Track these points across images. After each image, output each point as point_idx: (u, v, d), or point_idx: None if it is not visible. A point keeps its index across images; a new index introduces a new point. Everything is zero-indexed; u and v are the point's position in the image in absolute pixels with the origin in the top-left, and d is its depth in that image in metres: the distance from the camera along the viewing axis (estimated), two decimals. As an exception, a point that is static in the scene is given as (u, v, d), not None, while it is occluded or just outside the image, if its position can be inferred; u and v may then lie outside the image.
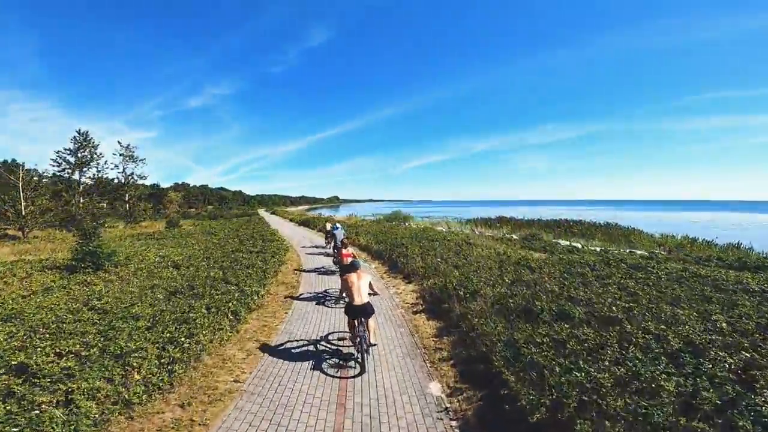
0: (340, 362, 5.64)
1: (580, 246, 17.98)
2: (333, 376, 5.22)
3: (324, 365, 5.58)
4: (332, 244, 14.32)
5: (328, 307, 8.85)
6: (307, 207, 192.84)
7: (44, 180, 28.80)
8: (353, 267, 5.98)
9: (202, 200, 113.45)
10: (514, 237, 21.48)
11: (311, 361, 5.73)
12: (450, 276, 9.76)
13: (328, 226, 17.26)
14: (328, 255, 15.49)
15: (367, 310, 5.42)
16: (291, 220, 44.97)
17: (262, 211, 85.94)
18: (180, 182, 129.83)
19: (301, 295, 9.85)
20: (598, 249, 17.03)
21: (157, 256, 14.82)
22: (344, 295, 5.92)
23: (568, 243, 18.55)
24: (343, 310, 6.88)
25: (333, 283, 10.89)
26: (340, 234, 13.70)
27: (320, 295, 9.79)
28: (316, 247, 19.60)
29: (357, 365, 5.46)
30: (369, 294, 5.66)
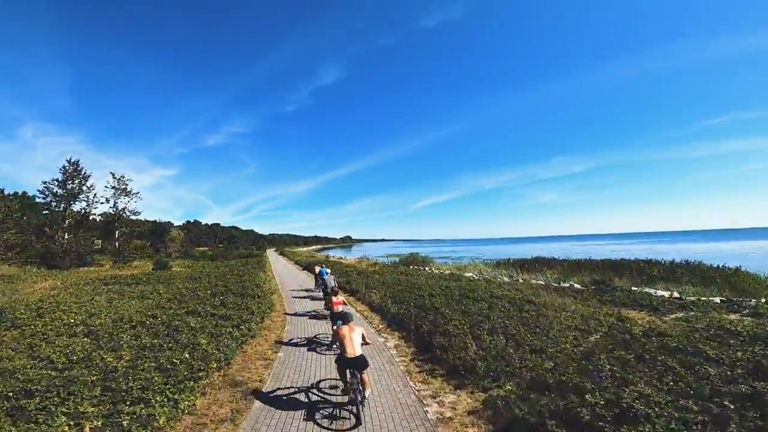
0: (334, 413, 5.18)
1: (679, 295, 12.73)
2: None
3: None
4: (322, 288, 13.58)
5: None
6: (318, 247, 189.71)
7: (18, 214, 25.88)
8: (345, 318, 5.96)
9: (213, 238, 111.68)
10: (576, 285, 16.26)
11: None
12: (544, 375, 4.93)
13: (317, 269, 17.01)
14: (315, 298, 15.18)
15: (360, 363, 5.13)
16: (296, 263, 41.01)
17: (270, 252, 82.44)
18: (192, 220, 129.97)
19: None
20: (717, 300, 11.85)
21: (86, 312, 10.50)
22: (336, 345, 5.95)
23: (664, 293, 13.26)
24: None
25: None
26: (330, 280, 12.80)
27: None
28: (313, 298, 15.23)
29: (352, 416, 5.02)
30: (362, 345, 5.46)
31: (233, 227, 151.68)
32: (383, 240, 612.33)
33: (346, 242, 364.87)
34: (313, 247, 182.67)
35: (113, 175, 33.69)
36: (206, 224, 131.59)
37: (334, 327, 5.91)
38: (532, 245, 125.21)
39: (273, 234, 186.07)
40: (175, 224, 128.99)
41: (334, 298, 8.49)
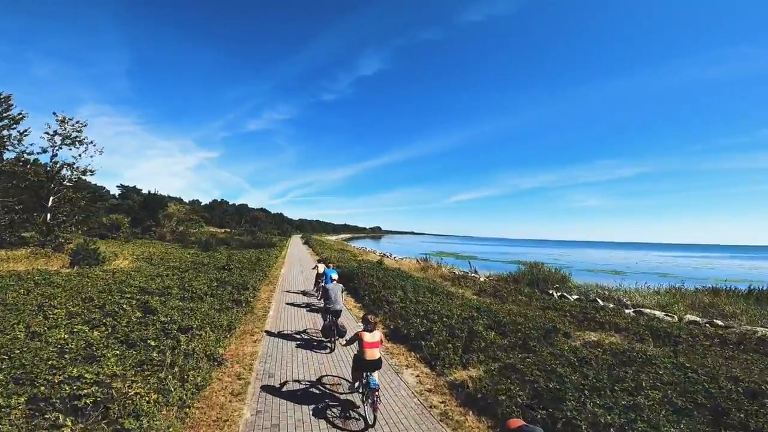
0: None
1: None
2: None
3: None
4: (321, 292, 11.11)
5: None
6: (348, 236, 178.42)
7: None
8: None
9: (238, 220, 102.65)
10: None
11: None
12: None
13: (320, 267, 12.81)
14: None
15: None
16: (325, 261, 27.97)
17: (295, 240, 70.52)
18: (220, 200, 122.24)
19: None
20: None
21: None
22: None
23: None
24: None
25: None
26: (336, 293, 8.20)
27: None
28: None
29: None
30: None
31: (261, 209, 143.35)
32: (412, 233, 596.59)
33: (376, 233, 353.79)
34: (343, 235, 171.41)
35: (56, 115, 21.50)
36: (233, 204, 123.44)
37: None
38: (579, 250, 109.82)
39: (302, 219, 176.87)
40: (203, 203, 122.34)
41: (367, 336, 5.39)
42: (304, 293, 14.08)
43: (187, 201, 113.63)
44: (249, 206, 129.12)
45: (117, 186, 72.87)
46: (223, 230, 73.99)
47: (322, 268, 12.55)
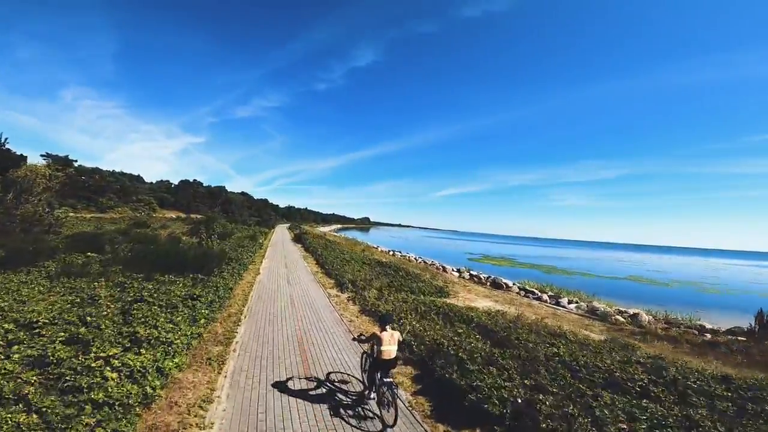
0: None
1: None
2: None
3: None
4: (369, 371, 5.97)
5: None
6: (338, 226, 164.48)
7: None
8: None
9: (210, 205, 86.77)
10: None
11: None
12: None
13: (386, 339, 5.39)
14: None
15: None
16: (320, 268, 14.73)
17: (280, 231, 56.44)
18: (192, 180, 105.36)
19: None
20: None
21: None
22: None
23: None
24: None
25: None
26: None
27: None
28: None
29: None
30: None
31: (242, 193, 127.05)
32: (399, 225, 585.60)
33: (365, 224, 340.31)
34: (334, 226, 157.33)
35: None
36: (208, 186, 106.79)
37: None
38: (566, 250, 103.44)
39: (290, 206, 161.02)
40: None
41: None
42: None
43: (153, 182, 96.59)
44: (228, 189, 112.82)
45: None
46: (180, 214, 59.00)
47: (387, 338, 5.26)
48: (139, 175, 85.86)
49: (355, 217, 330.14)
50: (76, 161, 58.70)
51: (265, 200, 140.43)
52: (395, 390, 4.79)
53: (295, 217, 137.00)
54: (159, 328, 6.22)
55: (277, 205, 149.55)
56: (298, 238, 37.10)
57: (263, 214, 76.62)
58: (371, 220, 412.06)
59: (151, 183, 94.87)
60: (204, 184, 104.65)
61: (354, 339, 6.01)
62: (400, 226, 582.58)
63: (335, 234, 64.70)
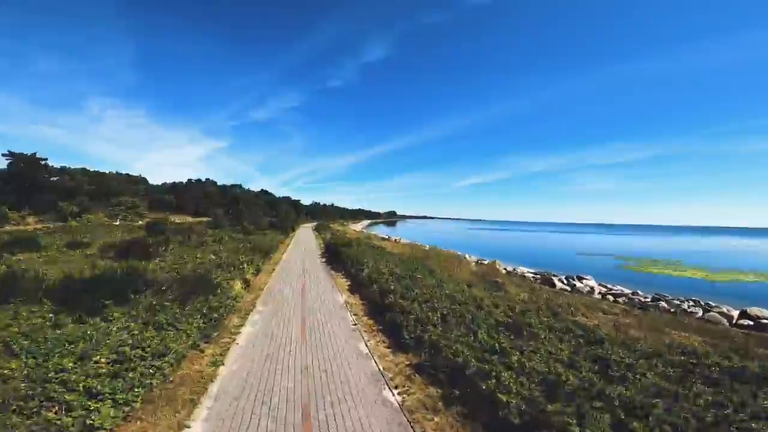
0: None
1: None
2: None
3: None
4: None
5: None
6: (368, 222, 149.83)
7: None
8: None
9: (224, 205, 74.17)
10: None
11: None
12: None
13: None
14: None
15: None
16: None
17: (305, 231, 41.76)
18: (204, 179, 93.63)
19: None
20: None
21: None
22: None
23: None
24: None
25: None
26: None
27: None
28: None
29: None
30: None
31: (263, 191, 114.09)
32: (425, 217, 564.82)
33: (392, 218, 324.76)
34: (365, 222, 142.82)
35: None
36: (222, 185, 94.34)
37: None
38: (601, 236, 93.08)
39: (315, 203, 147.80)
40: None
41: None
42: None
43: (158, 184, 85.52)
44: (243, 187, 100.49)
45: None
46: (198, 220, 45.77)
47: None
48: (141, 176, 74.65)
49: (381, 212, 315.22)
50: (46, 159, 46.79)
51: (288, 198, 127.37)
52: None
53: (321, 215, 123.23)
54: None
55: (298, 201, 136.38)
56: (332, 253, 21.34)
57: (280, 213, 61.95)
58: (397, 213, 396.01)
59: (160, 185, 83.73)
60: (217, 183, 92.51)
61: None
62: (425, 218, 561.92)
63: (379, 236, 49.10)
